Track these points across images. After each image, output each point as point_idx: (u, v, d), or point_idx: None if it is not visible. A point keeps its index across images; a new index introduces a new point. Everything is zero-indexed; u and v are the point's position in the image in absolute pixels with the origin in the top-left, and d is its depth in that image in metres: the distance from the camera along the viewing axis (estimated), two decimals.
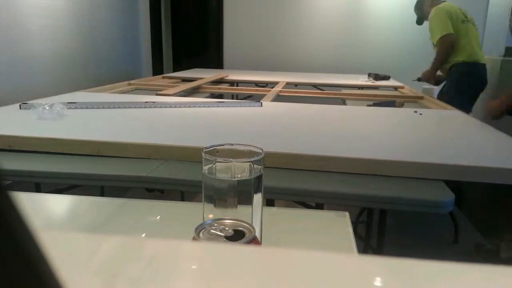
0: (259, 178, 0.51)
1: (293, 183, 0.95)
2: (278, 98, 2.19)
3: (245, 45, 4.57)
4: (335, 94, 2.38)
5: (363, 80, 3.07)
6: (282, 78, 2.92)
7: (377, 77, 3.09)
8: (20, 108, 1.50)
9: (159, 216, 0.66)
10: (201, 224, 0.44)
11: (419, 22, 3.11)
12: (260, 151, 0.52)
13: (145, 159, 1.06)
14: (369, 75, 3.14)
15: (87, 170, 1.01)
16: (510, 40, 3.41)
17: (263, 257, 0.36)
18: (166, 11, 4.90)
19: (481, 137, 1.29)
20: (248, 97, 2.81)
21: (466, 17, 2.87)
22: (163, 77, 3.03)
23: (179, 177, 0.97)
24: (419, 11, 3.03)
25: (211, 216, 0.50)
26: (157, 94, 2.03)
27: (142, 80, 2.70)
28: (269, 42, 4.47)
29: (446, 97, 2.63)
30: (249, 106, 1.69)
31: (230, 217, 0.46)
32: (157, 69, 4.65)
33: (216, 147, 0.53)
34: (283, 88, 2.46)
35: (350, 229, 0.59)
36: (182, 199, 2.19)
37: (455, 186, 0.96)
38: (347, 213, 0.64)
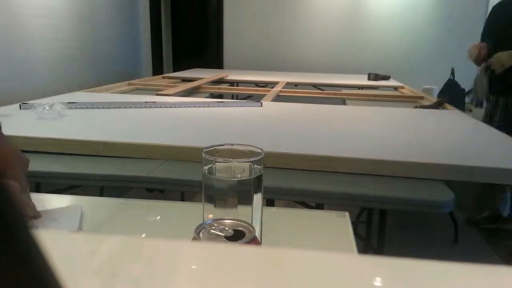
0: (259, 178, 0.51)
1: (293, 183, 0.95)
2: (278, 98, 2.19)
3: (245, 45, 4.57)
4: (335, 94, 2.38)
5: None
6: (282, 78, 2.92)
7: (377, 77, 3.09)
8: (20, 108, 1.50)
9: (159, 216, 0.66)
10: (201, 224, 0.44)
11: None
12: (260, 151, 0.52)
13: (145, 159, 1.06)
14: (369, 75, 3.14)
15: (87, 170, 1.01)
16: None
17: (263, 257, 0.36)
18: (166, 11, 4.90)
19: (481, 137, 1.29)
20: (248, 97, 2.81)
21: None
22: (163, 77, 3.03)
23: (179, 177, 0.97)
24: None
25: (211, 216, 0.50)
26: (157, 94, 2.03)
27: (142, 80, 2.70)
28: (269, 42, 4.47)
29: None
30: (249, 106, 1.69)
31: (230, 217, 0.46)
32: (157, 69, 4.65)
33: (216, 147, 0.53)
34: (283, 88, 2.46)
35: (350, 229, 0.59)
36: (182, 199, 2.19)
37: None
38: (347, 213, 0.64)
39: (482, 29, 2.56)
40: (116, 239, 0.38)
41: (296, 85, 2.78)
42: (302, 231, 0.61)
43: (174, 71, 4.65)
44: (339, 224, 0.62)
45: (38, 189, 1.43)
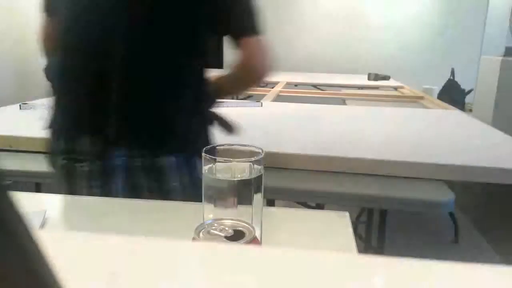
0: (259, 178, 0.51)
1: (293, 183, 0.95)
2: (278, 98, 2.19)
3: None
4: (335, 94, 2.38)
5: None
6: (282, 78, 2.92)
7: (377, 77, 3.08)
8: (20, 108, 1.50)
9: (159, 216, 0.66)
10: (201, 224, 0.44)
11: None
12: (260, 151, 0.52)
13: None
14: (369, 75, 3.14)
15: None
16: (510, 40, 3.41)
17: (263, 257, 0.36)
18: None
19: (481, 137, 1.29)
20: (248, 97, 2.81)
21: None
22: None
23: None
24: None
25: (211, 216, 0.50)
26: None
27: None
28: (268, 42, 4.47)
29: None
30: (249, 106, 1.69)
31: (230, 217, 0.46)
32: None
33: (216, 147, 0.53)
34: (283, 88, 2.46)
35: (350, 229, 0.59)
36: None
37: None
38: (347, 213, 0.64)
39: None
40: (116, 239, 0.38)
41: (296, 85, 2.78)
42: (302, 231, 0.61)
43: None
44: (339, 224, 0.62)
45: (38, 189, 1.43)
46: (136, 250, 0.36)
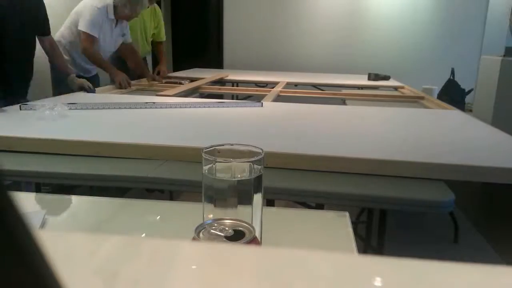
0: (259, 178, 0.51)
1: (293, 183, 0.95)
2: (279, 98, 2.19)
3: (245, 45, 4.57)
4: (335, 94, 2.38)
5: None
6: (282, 78, 2.92)
7: (377, 77, 3.08)
8: (20, 109, 1.50)
9: (159, 216, 0.66)
10: (201, 224, 0.44)
11: None
12: (260, 151, 0.52)
13: (145, 159, 1.06)
14: (370, 75, 3.13)
15: (87, 170, 1.01)
16: (510, 40, 3.41)
17: (263, 257, 0.36)
18: (166, 11, 4.90)
19: (481, 137, 1.29)
20: (248, 97, 2.81)
21: None
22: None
23: (179, 177, 0.97)
24: None
25: (211, 216, 0.50)
26: (157, 95, 2.03)
27: (143, 80, 2.70)
28: (269, 42, 4.47)
29: None
30: (250, 106, 1.69)
31: (230, 217, 0.46)
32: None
33: (216, 147, 0.53)
34: (283, 88, 2.46)
35: (350, 229, 0.59)
36: (182, 199, 2.19)
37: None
38: (347, 213, 0.64)
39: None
40: (116, 239, 0.38)
41: (296, 85, 2.78)
42: (302, 231, 0.61)
43: (174, 71, 4.65)
44: (339, 224, 0.62)
45: (38, 189, 1.43)
46: (136, 250, 0.36)
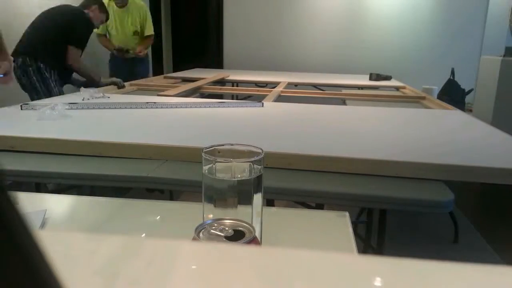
0: (259, 178, 0.51)
1: (293, 183, 0.95)
2: (279, 98, 2.19)
3: (245, 45, 4.57)
4: (336, 94, 2.38)
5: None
6: (282, 78, 2.92)
7: (378, 77, 3.08)
8: (21, 108, 1.50)
9: (159, 216, 0.66)
10: (201, 224, 0.44)
11: None
12: (260, 151, 0.52)
13: (145, 159, 1.06)
14: (371, 75, 3.13)
15: (88, 170, 1.01)
16: (510, 40, 3.41)
17: (263, 257, 0.36)
18: (166, 11, 4.90)
19: (481, 137, 1.29)
20: (248, 97, 2.81)
21: None
22: (164, 77, 3.03)
23: (179, 177, 0.97)
24: None
25: (211, 216, 0.50)
26: (158, 95, 2.03)
27: (143, 80, 2.70)
28: (269, 42, 4.47)
29: None
30: (251, 107, 1.69)
31: (230, 217, 0.46)
32: (157, 70, 4.65)
33: (216, 147, 0.53)
34: (284, 88, 2.46)
35: (350, 229, 0.59)
36: (183, 199, 2.19)
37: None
38: (347, 213, 0.64)
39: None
40: (116, 239, 0.38)
41: (296, 85, 2.78)
42: (302, 231, 0.61)
43: (174, 71, 4.65)
44: (339, 224, 0.62)
45: (38, 189, 1.43)
46: (136, 250, 0.36)
